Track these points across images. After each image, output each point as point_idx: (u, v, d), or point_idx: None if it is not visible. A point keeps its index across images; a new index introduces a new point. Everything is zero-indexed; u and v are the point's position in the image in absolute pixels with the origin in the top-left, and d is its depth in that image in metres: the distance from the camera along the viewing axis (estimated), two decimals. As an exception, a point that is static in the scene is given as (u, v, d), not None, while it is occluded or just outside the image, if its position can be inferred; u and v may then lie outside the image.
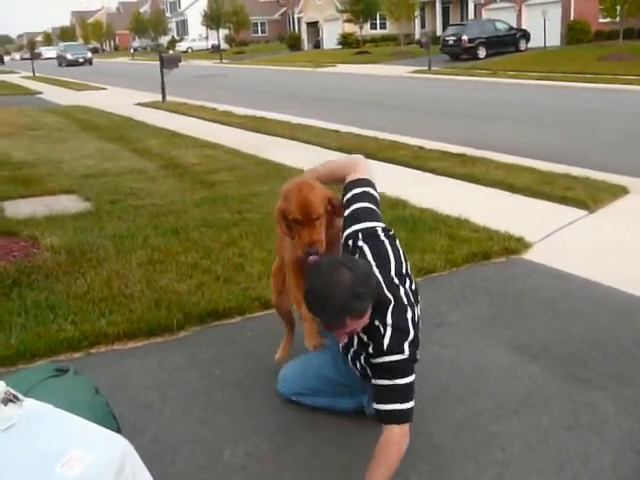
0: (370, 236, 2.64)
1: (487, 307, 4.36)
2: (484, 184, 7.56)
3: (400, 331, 2.48)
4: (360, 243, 2.61)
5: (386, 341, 2.45)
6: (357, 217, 2.70)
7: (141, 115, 15.45)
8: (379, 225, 2.70)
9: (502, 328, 4.04)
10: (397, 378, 2.46)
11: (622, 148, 10.14)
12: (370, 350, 2.52)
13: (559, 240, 5.80)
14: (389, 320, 2.48)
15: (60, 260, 4.94)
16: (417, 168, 8.59)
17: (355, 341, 2.65)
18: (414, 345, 2.50)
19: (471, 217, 6.12)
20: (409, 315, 2.52)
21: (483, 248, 5.32)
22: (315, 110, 15.52)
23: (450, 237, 5.59)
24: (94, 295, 4.33)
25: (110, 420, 2.80)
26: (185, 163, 9.22)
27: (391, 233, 2.70)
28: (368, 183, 2.83)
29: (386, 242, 2.64)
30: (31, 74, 36.72)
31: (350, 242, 2.64)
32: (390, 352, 2.45)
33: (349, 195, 2.77)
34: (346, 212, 2.74)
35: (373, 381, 2.55)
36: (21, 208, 6.64)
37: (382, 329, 2.47)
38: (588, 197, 6.74)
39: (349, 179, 2.83)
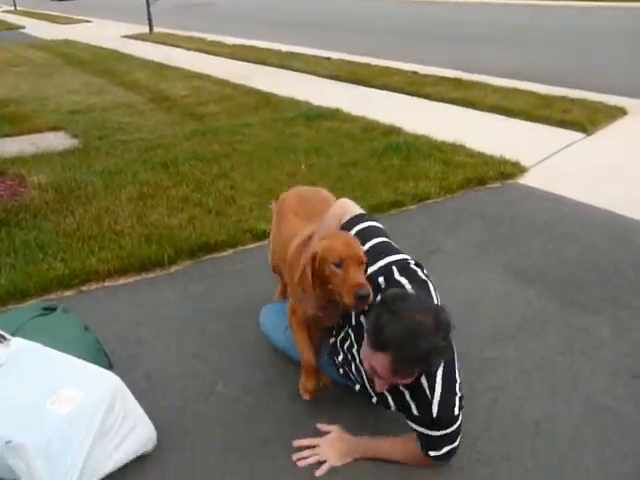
0: (405, 269, 2.28)
1: (482, 232, 4.30)
2: (480, 109, 7.41)
3: (451, 393, 2.17)
4: (397, 277, 2.24)
5: (435, 409, 2.14)
6: (379, 252, 2.35)
7: (127, 47, 15.02)
8: (408, 257, 2.35)
9: (498, 253, 3.99)
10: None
11: (621, 68, 9.91)
12: (413, 412, 2.22)
13: (556, 164, 5.69)
14: (439, 380, 2.16)
15: (48, 198, 4.84)
16: (411, 94, 8.40)
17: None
18: (461, 400, 2.21)
19: (466, 142, 6.00)
20: (457, 367, 2.23)
21: (478, 173, 5.23)
22: (309, 36, 15.11)
23: (445, 163, 5.49)
24: (83, 232, 4.25)
25: (101, 357, 2.78)
26: (174, 95, 8.99)
27: (421, 265, 2.35)
28: (366, 217, 2.53)
29: (422, 275, 2.29)
30: (12, 8, 35.63)
31: (381, 279, 2.26)
32: (440, 426, 2.19)
33: (352, 233, 2.43)
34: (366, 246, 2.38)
35: (413, 426, 2.28)
36: (7, 146, 6.48)
37: (429, 393, 2.15)
38: (586, 119, 6.61)
39: (344, 220, 2.52)
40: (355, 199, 4.70)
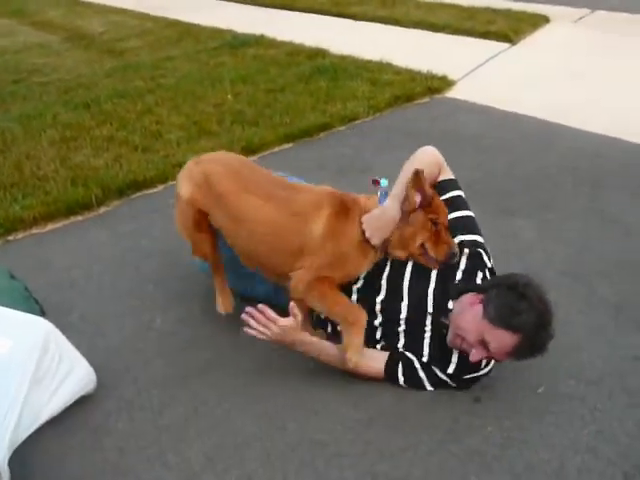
0: (487, 253, 2.46)
1: (413, 149, 4.28)
2: (405, 25, 7.31)
3: None
4: (485, 258, 2.43)
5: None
6: (469, 225, 2.48)
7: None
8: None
9: (428, 168, 4.02)
10: None
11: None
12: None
13: (482, 75, 5.71)
14: None
15: (-38, 148, 4.62)
16: (337, 15, 8.22)
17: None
18: None
19: (393, 60, 5.94)
20: None
21: (406, 90, 5.21)
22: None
23: (372, 82, 5.44)
24: (4, 181, 4.08)
25: (31, 304, 2.72)
26: (91, 32, 8.60)
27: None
28: (458, 185, 2.55)
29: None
30: None
31: (467, 250, 2.41)
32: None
33: (448, 196, 2.49)
34: (455, 214, 2.46)
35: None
36: None
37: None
38: (510, 29, 6.62)
39: (442, 178, 2.53)
40: (284, 124, 4.75)
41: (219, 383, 2.45)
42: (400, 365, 2.32)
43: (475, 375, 2.30)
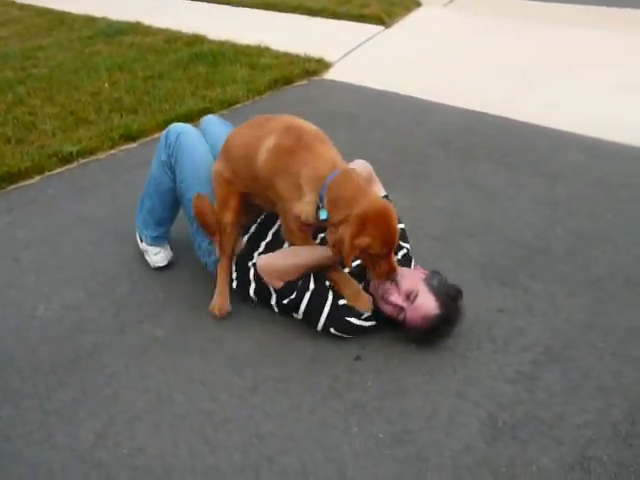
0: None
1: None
2: (282, 10, 7.38)
3: None
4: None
5: None
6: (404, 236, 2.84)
7: None
8: None
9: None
10: None
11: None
12: None
13: (358, 57, 5.89)
14: None
15: None
16: (213, 2, 8.14)
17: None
18: None
19: (271, 45, 6.02)
20: None
21: (284, 73, 5.31)
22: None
23: (251, 67, 5.50)
24: None
25: None
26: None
27: None
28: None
29: None
30: None
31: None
32: None
33: None
34: None
35: None
36: None
37: None
38: (383, 12, 6.83)
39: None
40: (164, 111, 4.74)
41: (107, 364, 2.47)
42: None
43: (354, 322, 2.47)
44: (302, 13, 7.19)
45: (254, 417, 2.19)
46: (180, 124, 2.96)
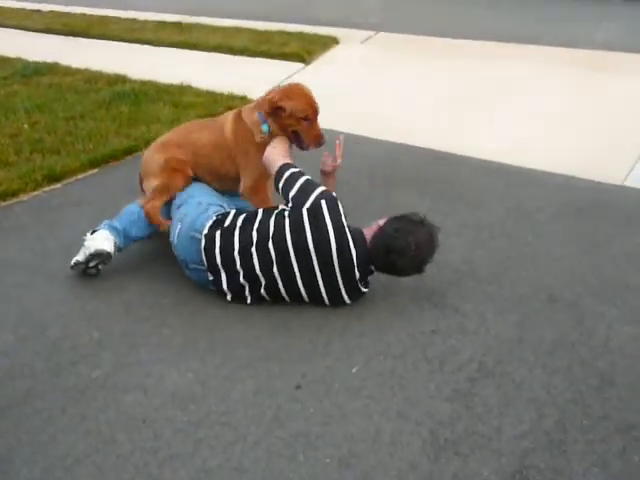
0: None
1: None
2: (204, 49, 7.46)
3: None
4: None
5: None
6: None
7: None
8: None
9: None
10: None
11: (337, 1, 10.49)
12: None
13: (280, 94, 5.99)
14: None
15: None
16: (134, 41, 8.16)
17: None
18: None
19: (193, 83, 6.08)
20: None
21: (208, 111, 5.33)
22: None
23: (174, 105, 5.52)
24: None
25: None
26: None
27: None
28: None
29: None
30: None
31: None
32: None
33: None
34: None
35: None
36: None
37: None
38: (303, 50, 7.00)
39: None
40: (88, 150, 4.69)
41: (42, 409, 2.39)
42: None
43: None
44: (224, 52, 7.28)
45: (200, 452, 2.17)
46: None
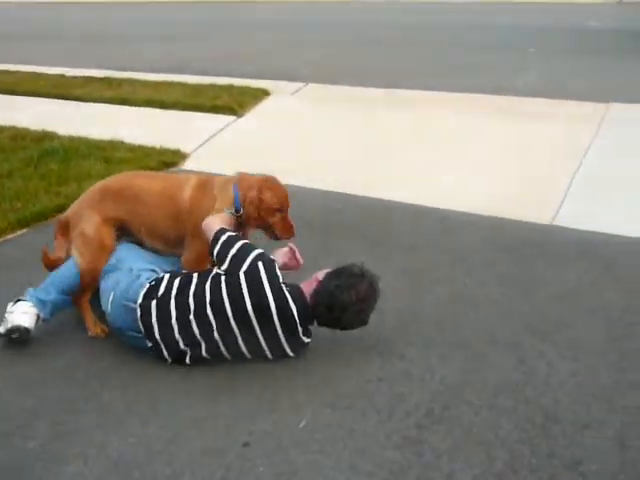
0: None
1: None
2: (134, 104, 7.40)
3: None
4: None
5: None
6: None
7: None
8: None
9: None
10: None
11: (266, 54, 10.65)
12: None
13: (214, 145, 6.03)
14: None
15: None
16: (61, 97, 8.02)
17: None
18: None
19: (125, 138, 6.02)
20: None
21: (141, 165, 5.30)
22: None
23: (106, 161, 5.45)
24: None
25: None
26: None
27: None
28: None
29: None
30: None
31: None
32: None
33: None
34: None
35: None
36: None
37: None
38: (235, 103, 7.05)
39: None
40: (16, 210, 4.55)
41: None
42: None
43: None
44: (155, 106, 7.24)
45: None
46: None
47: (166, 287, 2.81)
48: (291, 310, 2.71)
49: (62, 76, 9.24)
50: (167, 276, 2.88)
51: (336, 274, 2.78)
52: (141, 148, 5.75)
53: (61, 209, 4.57)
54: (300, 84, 8.18)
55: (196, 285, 2.78)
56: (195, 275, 2.86)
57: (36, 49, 12.87)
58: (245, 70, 8.91)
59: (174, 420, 2.51)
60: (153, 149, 5.72)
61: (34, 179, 5.11)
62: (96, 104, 7.59)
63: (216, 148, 5.92)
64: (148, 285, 2.82)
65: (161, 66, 9.68)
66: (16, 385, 2.75)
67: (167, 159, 5.48)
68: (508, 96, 6.92)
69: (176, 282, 2.82)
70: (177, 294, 2.77)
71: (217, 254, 2.81)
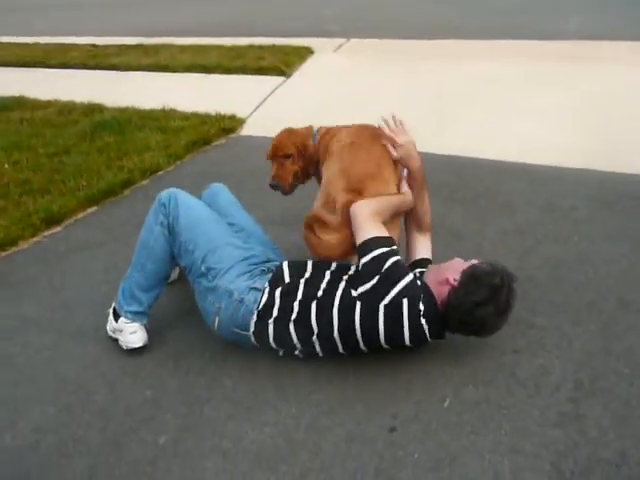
0: None
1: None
2: (176, 70, 7.17)
3: None
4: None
5: None
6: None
7: None
8: None
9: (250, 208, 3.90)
10: None
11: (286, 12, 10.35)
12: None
13: (269, 109, 5.79)
14: None
15: None
16: (96, 68, 7.82)
17: None
18: None
19: (176, 106, 5.80)
20: None
21: (201, 134, 5.11)
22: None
23: (162, 130, 5.25)
24: None
25: None
26: None
27: None
28: None
29: None
30: None
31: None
32: None
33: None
34: None
35: None
36: None
37: None
38: (281, 63, 6.80)
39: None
40: (81, 188, 4.35)
41: (109, 488, 2.12)
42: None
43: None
44: (197, 71, 7.01)
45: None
46: (170, 189, 2.84)
47: (279, 308, 2.45)
48: (425, 336, 2.38)
49: (93, 45, 9.02)
50: (277, 295, 2.47)
51: (473, 283, 2.35)
52: (195, 115, 5.54)
53: (126, 184, 4.43)
54: (342, 40, 7.90)
55: (317, 307, 2.41)
56: (320, 293, 2.44)
57: (57, 18, 12.60)
58: (277, 28, 8.63)
59: (307, 406, 2.35)
60: (208, 116, 5.50)
61: (92, 154, 4.92)
62: (136, 72, 7.38)
63: (272, 111, 5.68)
64: (257, 312, 2.46)
65: (192, 29, 9.41)
66: (130, 375, 2.60)
67: (225, 125, 5.26)
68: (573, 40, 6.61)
69: (295, 306, 2.43)
70: (296, 319, 2.43)
71: (363, 265, 2.41)
